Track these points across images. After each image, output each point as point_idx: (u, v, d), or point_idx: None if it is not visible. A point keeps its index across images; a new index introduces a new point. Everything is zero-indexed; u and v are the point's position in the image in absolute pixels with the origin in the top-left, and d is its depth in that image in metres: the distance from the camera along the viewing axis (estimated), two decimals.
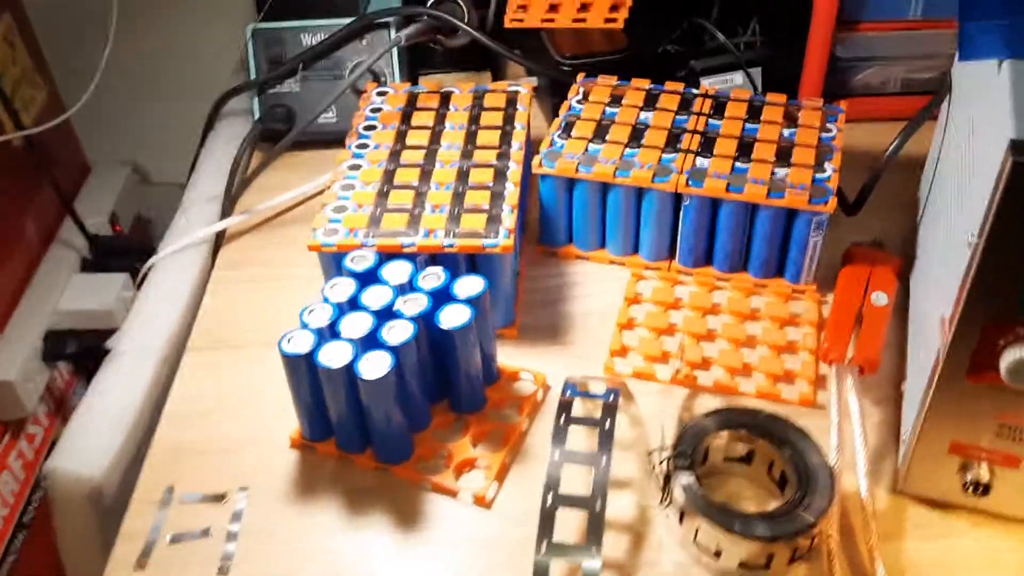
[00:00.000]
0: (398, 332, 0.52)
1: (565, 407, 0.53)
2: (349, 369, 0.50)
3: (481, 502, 0.52)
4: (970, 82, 0.52)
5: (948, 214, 0.51)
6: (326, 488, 0.54)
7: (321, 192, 0.69)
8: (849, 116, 0.68)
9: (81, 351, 0.76)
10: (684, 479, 0.48)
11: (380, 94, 0.71)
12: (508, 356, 0.61)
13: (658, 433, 0.55)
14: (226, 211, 0.72)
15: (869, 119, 0.78)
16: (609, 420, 0.52)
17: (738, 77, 0.79)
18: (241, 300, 0.66)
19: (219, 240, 0.71)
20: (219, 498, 0.54)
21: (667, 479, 0.49)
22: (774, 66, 0.79)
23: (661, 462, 0.50)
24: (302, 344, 0.51)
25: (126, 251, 0.84)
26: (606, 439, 0.51)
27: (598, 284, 0.66)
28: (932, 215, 0.60)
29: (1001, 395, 0.45)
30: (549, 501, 0.48)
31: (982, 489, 0.48)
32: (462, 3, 0.77)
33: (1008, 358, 0.42)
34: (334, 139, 0.74)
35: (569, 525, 0.49)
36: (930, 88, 0.78)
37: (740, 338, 0.61)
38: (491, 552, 0.50)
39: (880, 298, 0.59)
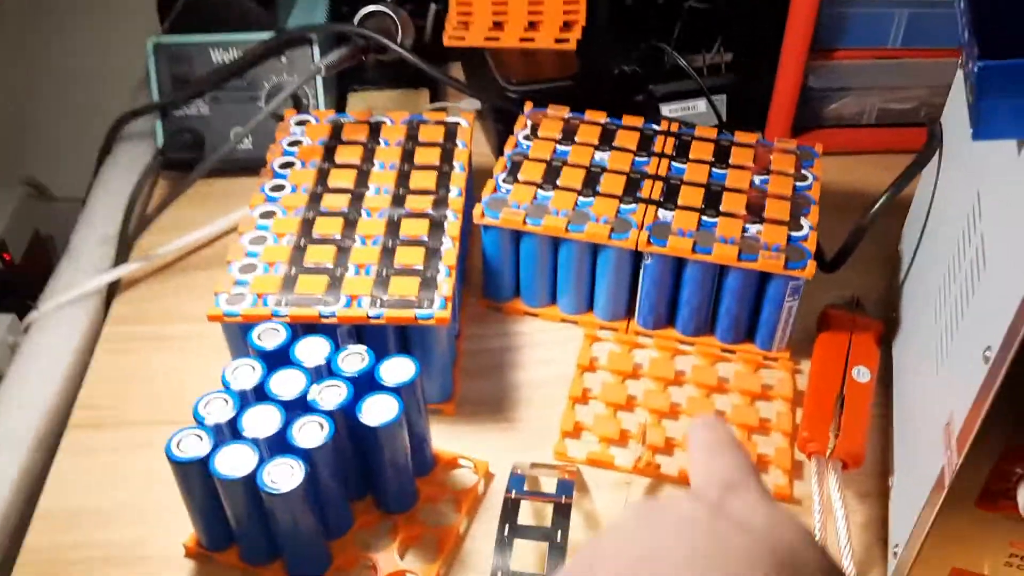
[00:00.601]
0: (312, 431, 0.44)
1: (510, 511, 0.46)
2: (252, 479, 0.42)
3: None
4: (974, 147, 0.45)
5: (946, 300, 0.45)
6: None
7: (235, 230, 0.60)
8: (822, 148, 0.61)
9: None
10: None
11: (300, 123, 0.62)
12: (445, 437, 0.53)
13: None
14: (121, 255, 0.62)
15: (843, 152, 0.72)
16: (561, 532, 0.44)
17: (701, 104, 0.72)
18: (134, 366, 0.57)
19: (112, 290, 0.61)
20: None
21: None
22: (740, 93, 0.73)
23: None
24: (195, 447, 0.43)
25: (13, 285, 0.74)
26: (557, 554, 0.44)
27: (548, 347, 0.59)
28: (920, 280, 0.53)
29: (1017, 525, 0.38)
30: None
31: None
32: (395, 16, 0.69)
33: None
34: (250, 168, 0.65)
35: None
36: (907, 120, 0.72)
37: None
38: None
39: (862, 374, 0.53)
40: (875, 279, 0.62)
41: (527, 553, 0.47)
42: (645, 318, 0.58)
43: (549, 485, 0.49)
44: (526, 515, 0.48)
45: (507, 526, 0.45)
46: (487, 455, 0.52)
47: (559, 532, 0.45)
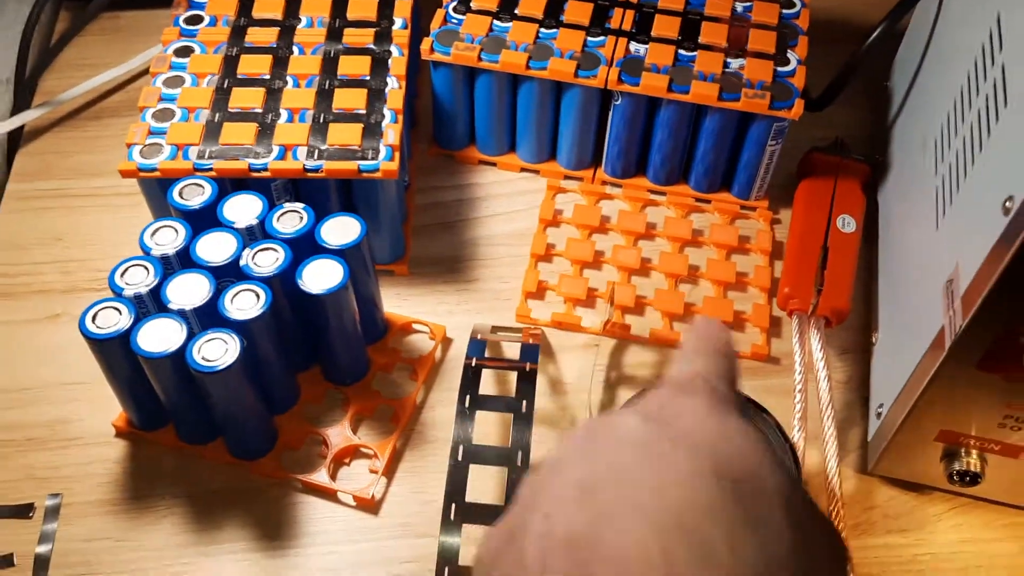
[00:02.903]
0: (247, 301, 0.39)
1: (470, 380, 0.42)
2: (180, 356, 0.37)
3: (366, 505, 0.42)
4: None
5: (950, 144, 0.40)
6: (165, 492, 0.42)
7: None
8: None
9: None
10: None
11: None
12: (398, 300, 0.49)
13: (584, 404, 0.45)
14: (22, 101, 0.55)
15: None
16: (526, 402, 0.41)
17: None
18: (44, 226, 0.51)
19: (14, 141, 0.54)
20: (24, 511, 0.41)
21: None
22: None
23: None
24: (114, 321, 0.38)
25: None
26: (523, 425, 0.40)
27: (507, 198, 0.54)
28: (914, 120, 0.49)
29: (1016, 386, 0.36)
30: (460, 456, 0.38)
31: (971, 479, 0.40)
32: None
33: None
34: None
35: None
36: None
37: (680, 271, 0.50)
38: (378, 570, 0.40)
39: (848, 224, 0.49)
40: (861, 116, 0.57)
41: (490, 424, 0.44)
42: (613, 165, 0.53)
43: (512, 350, 0.46)
44: (488, 383, 0.45)
45: (468, 396, 0.41)
46: (444, 319, 0.48)
47: (524, 402, 0.41)
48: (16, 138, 0.54)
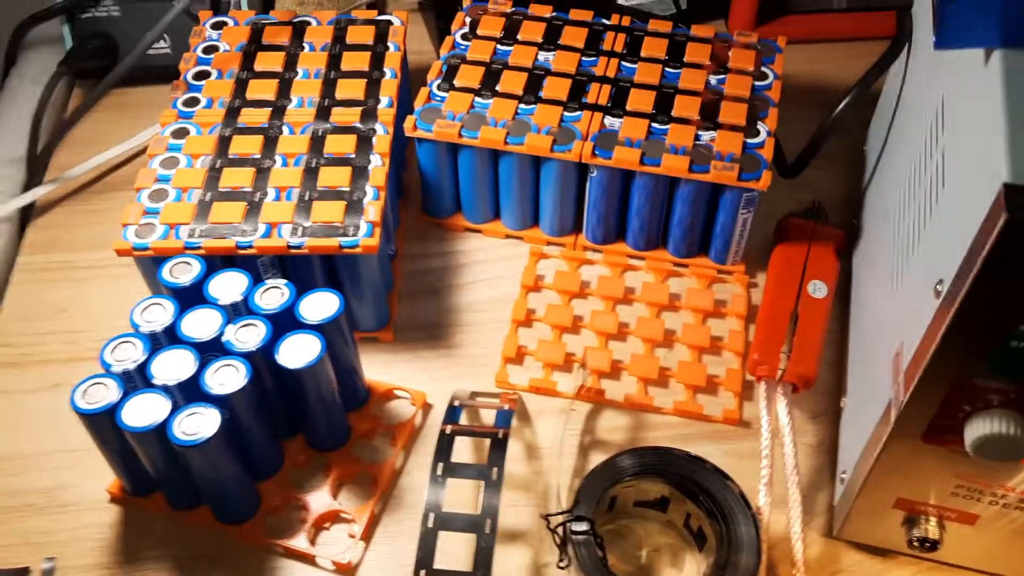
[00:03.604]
0: (228, 375, 0.41)
1: (444, 447, 0.44)
2: (163, 430, 0.39)
3: (344, 569, 0.43)
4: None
5: (904, 217, 0.42)
6: (155, 555, 0.44)
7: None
8: (789, 36, 0.56)
9: None
10: (583, 544, 0.40)
11: (216, 26, 0.57)
12: (381, 366, 0.50)
13: (556, 469, 0.46)
14: (35, 176, 0.58)
15: (812, 40, 0.67)
16: (496, 469, 0.42)
17: None
18: (50, 298, 0.53)
19: (26, 215, 0.57)
20: (19, 575, 0.43)
21: (564, 542, 0.41)
22: None
23: (557, 526, 0.41)
24: (103, 395, 0.40)
25: None
26: (493, 492, 0.42)
27: (491, 265, 0.56)
28: (882, 188, 0.50)
29: (963, 459, 0.37)
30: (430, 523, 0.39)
31: (930, 545, 0.41)
32: None
33: (975, 431, 0.34)
34: (169, 74, 0.60)
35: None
36: (882, 3, 0.67)
37: (656, 336, 0.51)
38: None
39: (819, 289, 0.50)
40: (840, 181, 0.58)
41: (463, 490, 0.45)
42: (593, 232, 0.55)
43: (490, 415, 0.47)
44: (463, 450, 0.46)
45: (441, 464, 0.43)
46: (427, 384, 0.49)
47: (495, 468, 0.43)
48: (28, 212, 0.57)
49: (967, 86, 0.35)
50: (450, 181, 0.55)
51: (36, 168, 0.58)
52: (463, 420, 0.46)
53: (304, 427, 0.46)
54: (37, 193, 0.56)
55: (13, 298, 0.54)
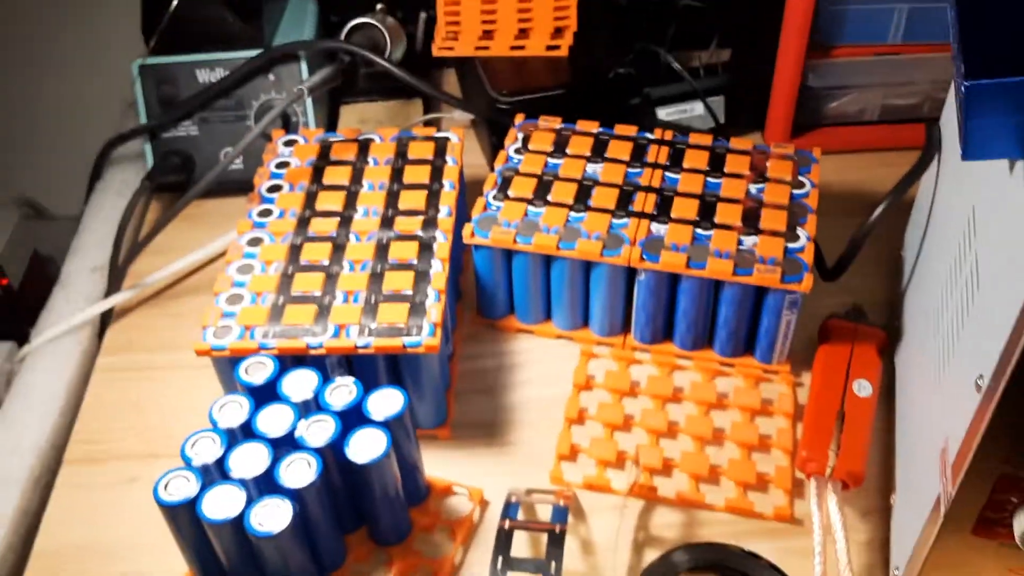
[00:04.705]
0: (300, 469, 0.43)
1: (503, 542, 0.45)
2: (239, 521, 0.42)
3: None
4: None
5: (943, 316, 0.44)
6: None
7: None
8: (823, 147, 0.60)
9: None
10: None
11: (288, 144, 0.61)
12: (439, 463, 0.52)
13: (611, 566, 0.47)
14: (114, 283, 0.62)
15: (845, 151, 0.71)
16: (555, 563, 0.44)
17: (699, 106, 0.71)
18: (128, 398, 0.57)
19: (105, 319, 0.61)
20: None
21: None
22: (738, 94, 0.71)
23: None
24: (183, 489, 0.43)
25: (12, 310, 0.74)
26: None
27: (544, 364, 0.58)
28: (921, 289, 0.52)
29: (1014, 551, 0.37)
30: None
31: None
32: (383, 28, 0.68)
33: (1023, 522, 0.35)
34: (241, 188, 0.64)
35: None
36: (912, 116, 0.71)
37: (706, 435, 0.53)
38: None
39: (864, 388, 0.51)
40: (879, 283, 0.60)
41: None
42: (642, 332, 0.57)
43: (545, 511, 0.49)
44: (521, 544, 0.48)
45: (500, 558, 0.44)
46: (483, 480, 0.51)
47: (553, 563, 0.44)
48: (107, 316, 0.61)
49: (995, 193, 0.38)
50: (504, 285, 0.58)
51: (116, 277, 0.62)
52: (520, 516, 0.48)
53: (368, 521, 0.48)
54: (117, 299, 0.60)
55: (93, 397, 0.57)
